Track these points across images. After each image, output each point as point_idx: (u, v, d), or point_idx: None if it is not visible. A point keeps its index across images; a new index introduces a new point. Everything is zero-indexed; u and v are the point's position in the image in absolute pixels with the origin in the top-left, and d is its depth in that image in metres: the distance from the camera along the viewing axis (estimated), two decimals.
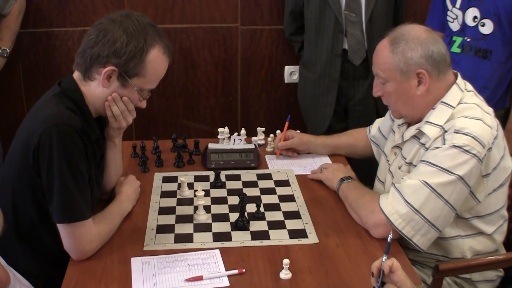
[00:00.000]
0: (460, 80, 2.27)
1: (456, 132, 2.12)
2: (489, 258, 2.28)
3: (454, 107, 2.19)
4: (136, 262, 2.04)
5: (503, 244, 2.41)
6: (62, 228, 2.03)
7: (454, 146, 2.10)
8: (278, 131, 2.96)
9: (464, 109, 2.19)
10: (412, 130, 2.29)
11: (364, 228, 2.24)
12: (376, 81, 2.31)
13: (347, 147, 2.88)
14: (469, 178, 2.10)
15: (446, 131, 2.15)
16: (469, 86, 2.29)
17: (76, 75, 2.15)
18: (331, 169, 2.59)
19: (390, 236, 1.79)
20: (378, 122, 2.78)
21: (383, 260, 1.76)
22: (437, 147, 2.14)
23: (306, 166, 2.77)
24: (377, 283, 1.78)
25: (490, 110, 2.25)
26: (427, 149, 2.19)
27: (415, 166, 2.22)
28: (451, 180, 2.09)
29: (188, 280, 1.95)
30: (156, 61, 2.11)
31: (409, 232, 2.12)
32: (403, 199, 2.12)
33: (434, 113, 2.21)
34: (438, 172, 2.10)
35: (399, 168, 2.33)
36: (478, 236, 2.29)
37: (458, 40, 3.14)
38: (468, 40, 3.12)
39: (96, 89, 2.12)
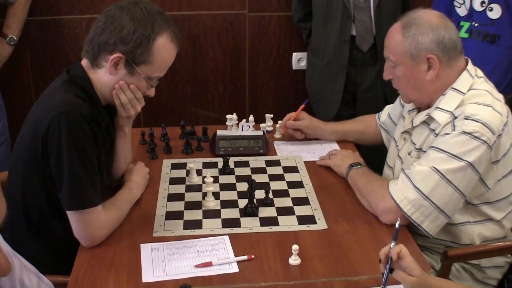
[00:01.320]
0: (470, 66, 2.26)
1: (466, 118, 2.11)
2: (497, 244, 2.29)
3: (465, 93, 2.19)
4: (145, 249, 2.05)
5: None
6: (72, 215, 2.03)
7: (464, 133, 2.09)
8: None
9: (474, 95, 2.18)
10: (422, 116, 2.28)
11: (374, 214, 2.24)
12: (387, 64, 2.30)
13: (356, 134, 2.87)
14: (478, 165, 2.10)
15: (456, 118, 2.15)
16: (480, 73, 2.28)
17: (85, 62, 2.15)
18: (340, 155, 2.58)
19: (398, 222, 1.80)
20: (387, 108, 2.78)
21: (391, 246, 1.76)
22: (447, 134, 2.13)
23: (315, 152, 2.77)
24: (385, 269, 1.78)
25: (500, 96, 2.24)
26: (436, 135, 2.18)
27: (425, 152, 2.21)
28: (461, 166, 2.08)
29: (197, 266, 1.96)
30: (164, 49, 2.11)
31: (418, 218, 2.11)
32: (413, 185, 2.11)
33: (444, 99, 2.21)
34: (448, 159, 2.10)
35: (409, 154, 2.32)
36: (487, 222, 2.29)
37: (466, 25, 3.12)
38: (476, 25, 3.10)
39: (104, 76, 2.12)
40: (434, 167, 2.10)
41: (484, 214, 2.28)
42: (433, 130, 2.22)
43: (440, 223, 2.15)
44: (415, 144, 2.31)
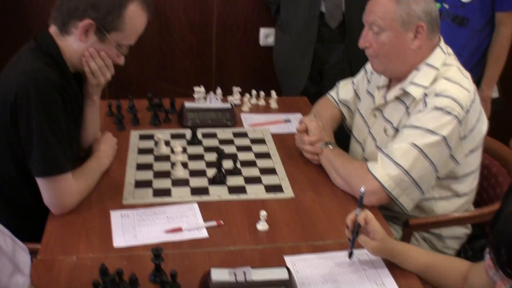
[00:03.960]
0: (443, 43, 2.30)
1: (437, 95, 2.16)
2: (457, 214, 2.35)
3: (438, 69, 2.23)
4: (115, 215, 2.07)
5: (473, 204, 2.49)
6: (42, 182, 2.04)
7: (436, 108, 2.14)
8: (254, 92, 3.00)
9: (447, 70, 2.23)
10: (396, 91, 2.32)
11: (351, 194, 2.26)
12: (366, 31, 2.30)
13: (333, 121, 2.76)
14: (450, 139, 2.15)
15: (426, 95, 2.19)
16: (450, 50, 2.32)
17: (53, 29, 2.13)
18: (321, 127, 2.51)
19: (362, 190, 1.84)
20: (344, 84, 2.78)
21: (357, 213, 1.82)
22: (420, 111, 2.18)
23: (281, 125, 2.81)
24: (353, 235, 1.84)
25: (467, 74, 2.28)
26: (409, 114, 2.23)
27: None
28: (436, 140, 2.13)
29: (168, 231, 1.99)
30: (135, 16, 2.11)
31: (397, 193, 2.16)
32: (393, 162, 2.15)
33: (419, 74, 2.24)
34: (424, 134, 2.14)
35: (385, 132, 2.35)
36: (452, 198, 2.34)
37: (437, 6, 3.18)
38: (447, 7, 3.17)
39: (73, 43, 2.11)
40: (412, 143, 2.14)
41: (450, 190, 2.34)
42: (408, 108, 2.26)
43: (415, 197, 2.20)
44: (390, 122, 2.34)
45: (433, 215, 2.35)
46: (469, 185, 2.37)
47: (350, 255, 1.87)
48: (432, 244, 2.44)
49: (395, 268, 1.86)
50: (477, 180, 2.40)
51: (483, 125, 2.30)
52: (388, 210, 2.35)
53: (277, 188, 2.27)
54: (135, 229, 2.00)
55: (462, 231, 2.46)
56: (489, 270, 1.66)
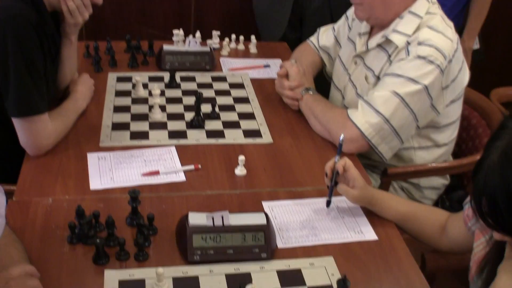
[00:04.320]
0: None
1: (420, 44, 2.14)
2: (436, 164, 2.36)
3: (422, 17, 2.20)
4: (92, 158, 2.05)
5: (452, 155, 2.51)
6: (18, 123, 2.01)
7: (419, 57, 2.12)
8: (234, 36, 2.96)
9: (430, 19, 2.20)
10: (378, 38, 2.29)
11: (331, 141, 2.25)
12: None
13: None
14: (432, 89, 2.14)
15: (409, 43, 2.17)
16: None
17: None
18: (301, 72, 2.47)
19: (341, 137, 1.84)
20: (325, 31, 2.75)
21: (336, 160, 1.81)
22: (402, 59, 2.16)
23: (260, 70, 2.79)
24: (331, 183, 1.84)
25: (451, 24, 2.26)
26: (391, 62, 2.21)
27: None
28: (418, 89, 2.12)
29: (145, 174, 1.98)
30: None
31: (377, 141, 2.16)
32: (374, 110, 2.14)
33: (402, 22, 2.22)
34: (405, 82, 2.13)
35: (366, 80, 2.33)
36: (431, 148, 2.35)
37: None
38: None
39: None
40: (394, 91, 2.13)
41: (429, 140, 2.34)
42: (390, 56, 2.24)
43: (394, 146, 2.20)
44: (372, 70, 2.31)
45: (412, 164, 2.36)
46: (449, 135, 2.38)
47: (328, 203, 1.88)
48: (410, 194, 2.45)
49: (373, 216, 1.87)
50: (457, 130, 2.41)
51: (465, 76, 2.29)
52: (367, 159, 2.35)
53: (256, 133, 2.26)
54: (112, 171, 1.98)
55: (440, 181, 2.48)
56: (468, 220, 1.68)
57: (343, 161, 1.81)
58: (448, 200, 2.50)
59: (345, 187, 1.83)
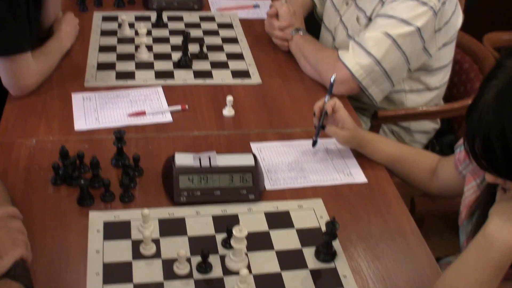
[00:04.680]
0: None
1: None
2: (427, 107, 2.34)
3: None
4: (77, 98, 2.01)
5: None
6: (0, 63, 1.96)
7: None
8: None
9: None
10: None
11: (321, 83, 2.22)
12: None
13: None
14: (424, 31, 2.09)
15: None
16: None
17: None
18: (291, 12, 2.40)
19: (333, 77, 1.80)
20: None
21: (326, 100, 1.78)
22: (394, 0, 2.11)
23: (250, 11, 2.73)
24: (319, 122, 1.80)
25: None
26: (383, 3, 2.16)
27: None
28: (410, 31, 2.07)
29: (130, 115, 1.94)
30: None
31: (367, 83, 2.12)
32: (365, 51, 2.10)
33: None
34: (398, 24, 2.08)
35: (357, 21, 2.28)
36: (423, 92, 2.32)
37: None
38: None
39: None
40: (386, 32, 2.08)
41: (421, 83, 2.31)
42: None
43: (385, 89, 2.17)
44: (364, 11, 2.26)
45: (403, 108, 2.33)
46: (441, 79, 2.34)
47: (314, 143, 1.85)
48: (400, 137, 2.44)
49: (363, 159, 1.84)
50: (448, 74, 2.38)
51: (458, 18, 2.24)
52: (357, 101, 2.33)
53: (244, 74, 2.22)
54: (97, 112, 1.94)
55: (431, 125, 2.46)
56: (459, 164, 1.65)
57: (333, 101, 1.77)
58: (438, 145, 2.48)
59: (335, 128, 1.79)
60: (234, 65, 2.27)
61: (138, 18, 2.55)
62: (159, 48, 2.34)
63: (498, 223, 1.25)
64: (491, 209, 1.31)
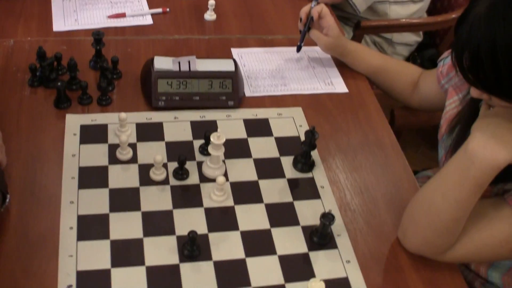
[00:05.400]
0: None
1: None
2: (410, 19, 2.32)
3: None
4: None
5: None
6: None
7: None
8: None
9: None
10: None
11: None
12: None
13: None
14: None
15: None
16: None
17: None
18: None
19: None
20: None
21: (312, 5, 1.74)
22: None
23: None
24: (304, 27, 1.77)
25: None
26: None
27: None
28: None
29: (110, 16, 1.90)
30: None
31: None
32: None
33: None
34: None
35: None
36: (406, 3, 2.29)
37: None
38: None
39: None
40: None
41: None
42: None
43: None
44: None
45: (386, 19, 2.30)
46: None
47: (299, 48, 1.82)
48: (382, 49, 2.42)
49: (345, 68, 1.83)
50: None
51: None
52: (340, 11, 2.30)
53: None
54: (76, 13, 1.90)
55: (413, 38, 2.44)
56: (442, 78, 1.63)
57: (320, 7, 1.74)
58: (420, 58, 2.48)
59: (318, 33, 1.76)
60: None
61: None
62: None
63: (481, 139, 1.21)
64: (474, 125, 1.28)
